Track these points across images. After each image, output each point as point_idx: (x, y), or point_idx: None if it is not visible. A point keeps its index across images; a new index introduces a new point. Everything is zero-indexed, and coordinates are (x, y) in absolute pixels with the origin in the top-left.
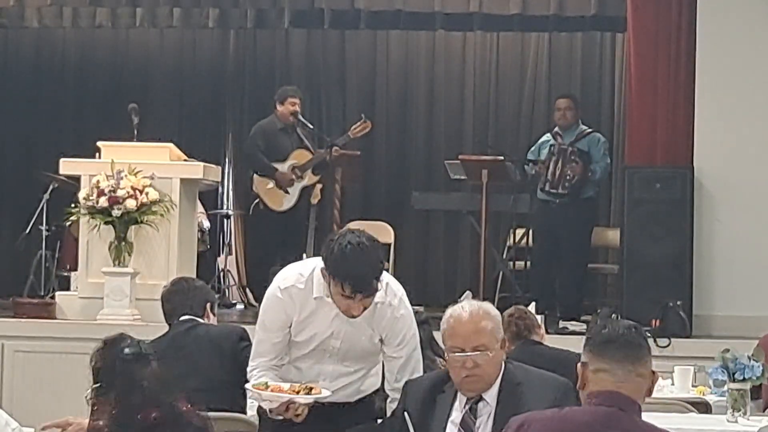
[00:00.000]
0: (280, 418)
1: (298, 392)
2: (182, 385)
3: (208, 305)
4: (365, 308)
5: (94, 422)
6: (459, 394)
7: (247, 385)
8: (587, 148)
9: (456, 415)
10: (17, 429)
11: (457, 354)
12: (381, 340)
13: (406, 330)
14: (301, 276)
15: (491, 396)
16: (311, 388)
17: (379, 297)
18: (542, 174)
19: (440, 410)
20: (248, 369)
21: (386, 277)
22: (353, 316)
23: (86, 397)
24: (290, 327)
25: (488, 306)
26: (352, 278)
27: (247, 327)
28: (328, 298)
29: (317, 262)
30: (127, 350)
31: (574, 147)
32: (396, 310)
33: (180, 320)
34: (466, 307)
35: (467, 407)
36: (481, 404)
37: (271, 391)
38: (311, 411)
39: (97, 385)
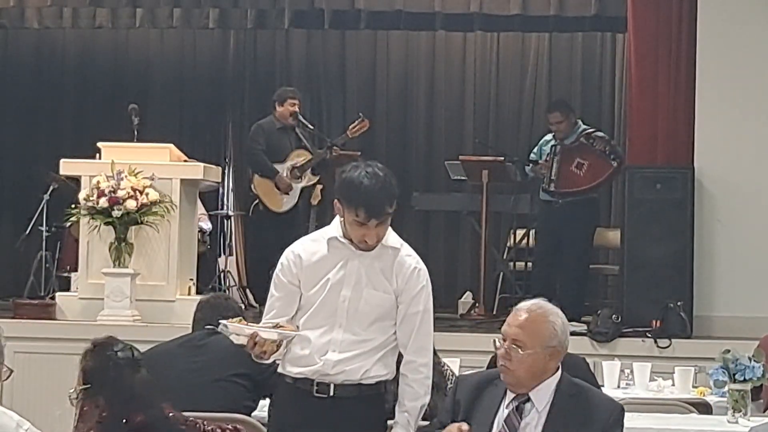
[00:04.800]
0: (267, 361)
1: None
2: (192, 380)
3: None
4: (379, 239)
5: (81, 424)
6: (509, 391)
7: (221, 321)
8: None
9: (503, 412)
10: (30, 429)
11: (497, 342)
12: (396, 296)
13: (424, 283)
14: (314, 235)
15: (540, 401)
16: (280, 326)
17: (397, 242)
18: (545, 174)
19: (488, 404)
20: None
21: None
22: (369, 248)
23: (71, 397)
24: (299, 284)
25: (552, 309)
26: (366, 202)
27: None
28: (342, 238)
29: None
30: (120, 354)
31: (581, 139)
32: (417, 263)
33: (204, 328)
34: (530, 303)
35: (514, 405)
36: (528, 405)
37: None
38: (319, 406)
39: (87, 386)
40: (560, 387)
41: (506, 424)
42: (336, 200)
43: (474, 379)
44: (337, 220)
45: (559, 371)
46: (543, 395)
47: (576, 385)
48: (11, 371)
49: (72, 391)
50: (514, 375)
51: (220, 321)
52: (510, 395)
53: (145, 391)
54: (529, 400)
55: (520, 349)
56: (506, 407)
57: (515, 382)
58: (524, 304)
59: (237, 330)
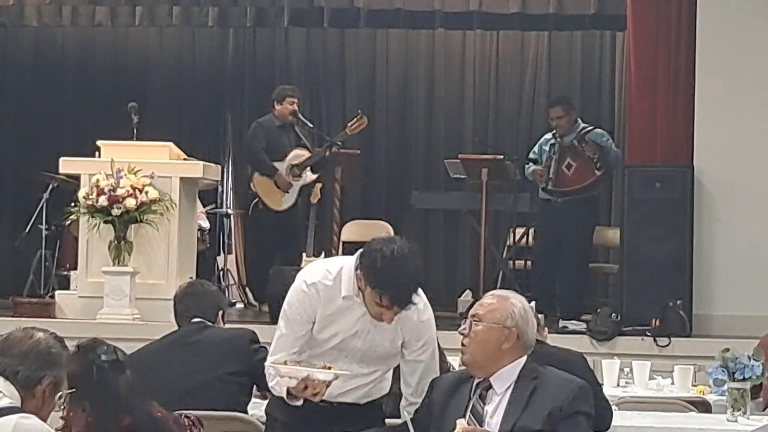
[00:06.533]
0: (299, 403)
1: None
2: (188, 380)
3: (220, 312)
4: (396, 315)
5: (67, 429)
6: (474, 382)
7: (267, 363)
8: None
9: (471, 403)
10: None
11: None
12: (402, 344)
13: (429, 333)
14: (329, 273)
15: (501, 385)
16: (330, 367)
17: None
18: (544, 173)
19: (460, 400)
20: (267, 363)
21: None
22: (382, 320)
23: (57, 402)
24: (314, 322)
25: (515, 296)
26: (393, 292)
27: (248, 326)
28: (357, 297)
29: (344, 262)
30: (103, 357)
31: (575, 141)
32: (422, 314)
33: (191, 322)
34: (499, 290)
35: (477, 394)
36: (490, 392)
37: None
38: (318, 412)
39: (72, 391)
40: (522, 373)
41: (472, 414)
42: (359, 272)
43: (448, 379)
44: (351, 268)
45: (523, 359)
46: (504, 380)
47: (538, 370)
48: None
49: (59, 395)
50: (468, 351)
51: (266, 365)
52: (476, 386)
53: (131, 392)
54: (491, 387)
55: (475, 324)
56: (472, 397)
57: (470, 360)
58: (492, 291)
59: (290, 373)
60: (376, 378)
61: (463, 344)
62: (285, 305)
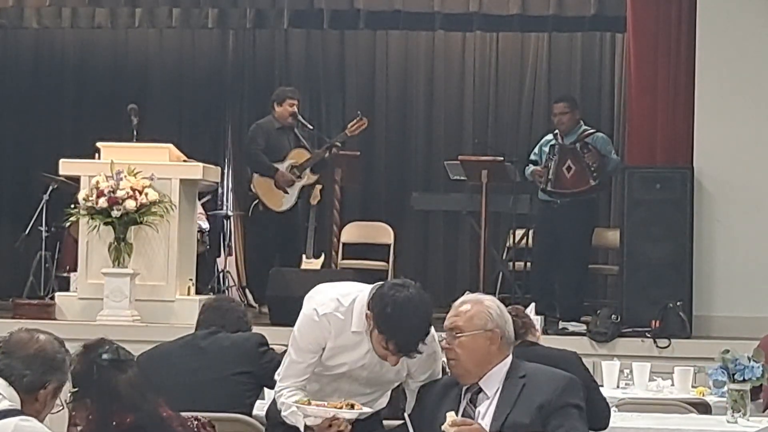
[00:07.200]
0: None
1: (340, 408)
2: (194, 379)
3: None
4: (400, 359)
5: (71, 427)
6: (463, 387)
7: (288, 400)
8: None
9: (461, 408)
10: None
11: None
12: (408, 374)
13: (435, 366)
14: (341, 305)
15: (491, 388)
16: (353, 405)
17: None
18: (543, 174)
19: (450, 405)
20: (276, 388)
21: None
22: (386, 361)
23: (65, 401)
24: (323, 349)
25: (486, 297)
26: (399, 340)
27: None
28: (367, 334)
29: (357, 293)
30: (104, 356)
31: (577, 144)
32: (429, 348)
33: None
34: (465, 296)
35: (467, 398)
36: (480, 396)
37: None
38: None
39: (75, 390)
40: (510, 372)
41: (463, 416)
42: (369, 312)
43: (436, 385)
44: (363, 303)
45: (509, 358)
46: (493, 382)
47: (526, 368)
48: (62, 407)
49: (66, 395)
50: (459, 364)
51: (282, 401)
52: (465, 390)
53: (134, 391)
54: (481, 390)
55: (458, 336)
56: (462, 402)
57: (462, 371)
58: (461, 298)
59: (317, 413)
60: (376, 397)
61: (450, 358)
62: (295, 332)
